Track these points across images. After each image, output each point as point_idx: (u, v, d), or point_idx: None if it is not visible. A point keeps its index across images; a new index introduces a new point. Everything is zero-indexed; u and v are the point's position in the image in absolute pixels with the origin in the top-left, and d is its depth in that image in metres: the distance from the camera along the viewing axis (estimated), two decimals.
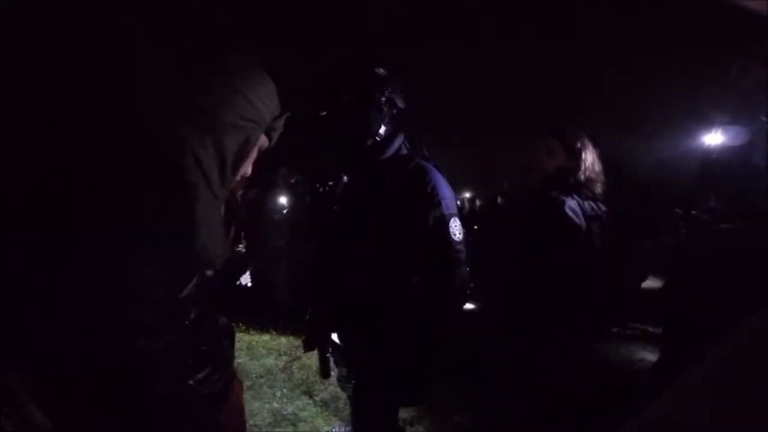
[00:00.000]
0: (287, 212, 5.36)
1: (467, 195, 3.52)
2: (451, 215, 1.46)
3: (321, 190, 1.54)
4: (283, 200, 5.54)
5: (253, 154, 0.76)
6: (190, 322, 0.60)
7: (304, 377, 3.22)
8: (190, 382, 0.60)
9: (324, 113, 1.53)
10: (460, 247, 1.47)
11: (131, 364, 0.56)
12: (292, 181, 5.17)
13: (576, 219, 1.79)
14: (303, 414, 2.75)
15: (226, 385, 0.66)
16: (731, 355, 0.27)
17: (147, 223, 0.58)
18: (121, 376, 0.56)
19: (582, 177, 1.88)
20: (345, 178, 1.59)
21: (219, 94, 0.65)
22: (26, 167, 0.59)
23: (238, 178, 0.75)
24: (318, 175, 1.59)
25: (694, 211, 4.29)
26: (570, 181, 1.87)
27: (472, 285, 1.63)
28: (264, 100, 0.71)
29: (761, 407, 0.24)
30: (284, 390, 3.04)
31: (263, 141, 0.78)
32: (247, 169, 0.77)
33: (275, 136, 0.80)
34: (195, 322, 0.61)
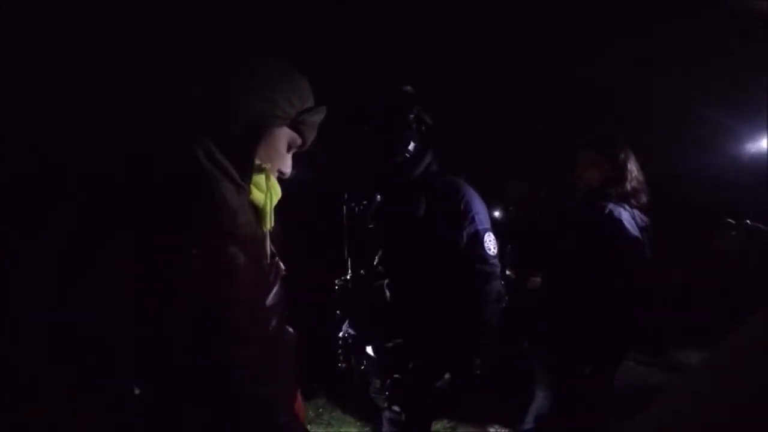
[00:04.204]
0: None
1: (500, 208, 3.45)
2: (485, 230, 1.48)
3: (355, 208, 1.57)
4: None
5: (278, 147, 0.74)
6: (271, 331, 0.62)
7: (338, 388, 3.26)
8: (263, 390, 0.60)
9: (353, 132, 1.55)
10: (494, 261, 1.48)
11: (213, 367, 0.56)
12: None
13: (633, 232, 1.76)
14: (337, 424, 2.78)
15: (292, 399, 0.67)
16: (733, 352, 0.28)
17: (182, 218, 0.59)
18: (201, 378, 0.56)
19: (629, 187, 1.84)
20: (378, 196, 1.62)
21: (228, 95, 0.66)
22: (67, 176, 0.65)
23: (272, 171, 0.73)
24: (352, 194, 1.62)
25: (748, 221, 4.04)
26: (618, 191, 1.84)
27: (506, 298, 1.63)
28: (287, 95, 0.71)
29: (762, 406, 0.24)
30: (319, 401, 3.08)
31: (292, 136, 0.75)
32: (281, 163, 0.75)
33: (307, 131, 0.76)
34: (274, 332, 0.62)
